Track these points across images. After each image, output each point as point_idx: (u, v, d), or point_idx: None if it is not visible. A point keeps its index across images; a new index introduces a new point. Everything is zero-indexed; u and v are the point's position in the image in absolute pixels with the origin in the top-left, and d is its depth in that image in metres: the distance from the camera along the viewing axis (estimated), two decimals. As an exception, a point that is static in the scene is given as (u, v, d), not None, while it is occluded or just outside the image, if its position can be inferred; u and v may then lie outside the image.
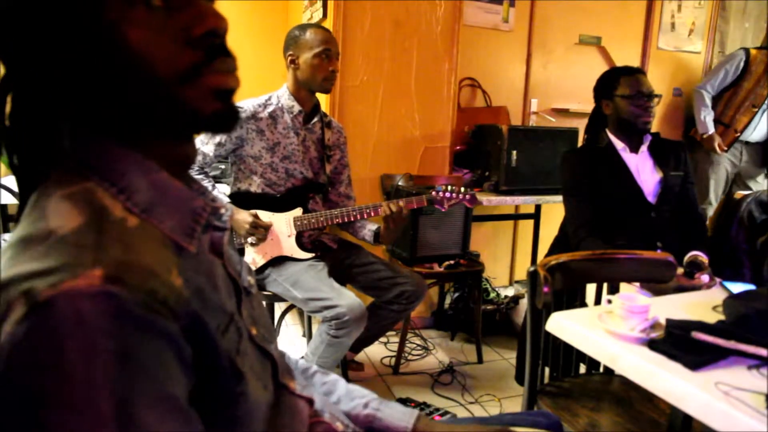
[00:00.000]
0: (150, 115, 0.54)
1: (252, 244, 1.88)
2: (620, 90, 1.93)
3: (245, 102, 1.90)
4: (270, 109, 1.93)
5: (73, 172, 0.52)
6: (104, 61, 0.51)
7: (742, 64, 3.22)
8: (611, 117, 1.98)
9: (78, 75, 0.52)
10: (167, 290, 0.47)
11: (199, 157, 1.89)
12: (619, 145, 1.97)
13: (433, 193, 1.86)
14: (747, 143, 3.33)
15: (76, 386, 0.41)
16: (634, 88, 1.90)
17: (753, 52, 3.23)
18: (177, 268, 0.51)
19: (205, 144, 1.89)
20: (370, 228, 1.99)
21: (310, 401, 0.74)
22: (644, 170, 1.97)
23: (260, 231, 1.82)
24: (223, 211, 0.61)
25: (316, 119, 2.00)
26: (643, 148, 1.98)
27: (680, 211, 1.98)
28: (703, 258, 1.79)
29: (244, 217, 1.81)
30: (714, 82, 3.29)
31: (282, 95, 1.96)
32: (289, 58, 1.92)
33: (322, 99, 2.51)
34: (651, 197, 1.95)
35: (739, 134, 3.26)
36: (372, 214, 1.87)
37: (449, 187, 1.86)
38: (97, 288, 0.43)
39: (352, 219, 1.88)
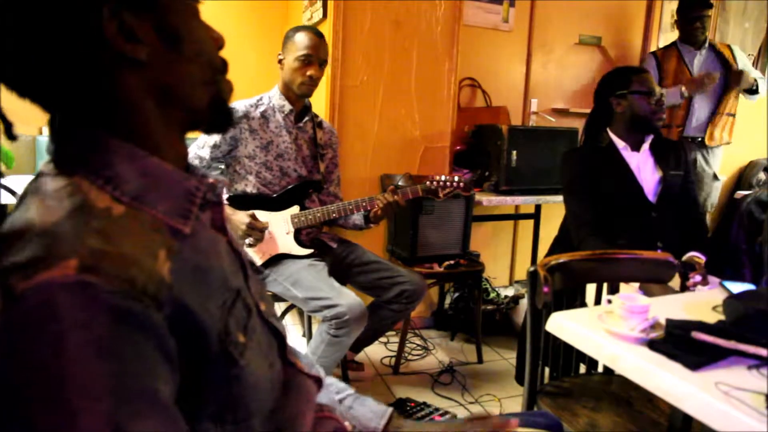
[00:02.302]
0: (197, 97, 0.59)
1: (249, 245, 1.88)
2: (635, 87, 1.91)
3: (237, 103, 1.93)
4: (261, 108, 1.95)
5: (59, 168, 0.52)
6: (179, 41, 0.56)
7: (654, 68, 3.13)
8: (623, 115, 1.94)
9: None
10: (147, 278, 0.46)
11: (196, 161, 1.90)
12: (620, 143, 1.96)
13: (428, 183, 1.89)
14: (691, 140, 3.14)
15: (51, 380, 0.40)
16: (648, 86, 1.91)
17: (659, 53, 3.19)
18: (167, 253, 0.50)
19: (201, 148, 1.91)
20: (358, 214, 2.01)
21: (318, 380, 0.74)
22: (645, 169, 1.97)
23: (257, 232, 1.82)
24: (219, 185, 0.62)
25: (307, 118, 2.02)
26: (645, 146, 1.98)
27: (680, 211, 1.98)
28: (700, 258, 1.78)
29: (240, 218, 1.81)
30: None
31: (273, 95, 1.99)
32: (278, 57, 1.96)
33: (322, 99, 2.52)
34: (651, 196, 1.94)
35: (682, 128, 3.12)
36: (368, 207, 1.90)
37: (443, 177, 1.88)
38: (71, 278, 0.42)
39: (348, 213, 1.92)
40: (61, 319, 0.41)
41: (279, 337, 0.66)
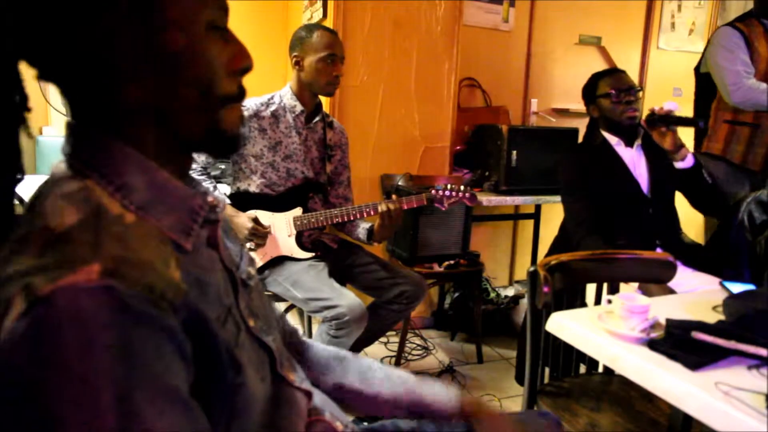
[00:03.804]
0: (189, 122, 0.57)
1: (250, 249, 1.87)
2: (599, 91, 1.99)
3: (248, 101, 1.90)
4: (272, 108, 1.93)
5: (72, 171, 0.53)
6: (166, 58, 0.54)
7: (745, 49, 2.41)
8: (601, 120, 2.03)
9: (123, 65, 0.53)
10: (165, 284, 0.48)
11: (202, 157, 1.89)
12: (613, 140, 2.00)
13: (433, 191, 1.87)
14: None
15: (77, 380, 0.41)
16: (612, 86, 1.95)
17: (740, 26, 2.46)
18: (176, 262, 0.52)
19: None
20: (363, 227, 1.99)
21: (309, 394, 0.75)
22: (639, 164, 1.99)
23: (259, 238, 1.81)
24: (219, 206, 0.63)
25: (317, 119, 2.01)
26: (637, 142, 2.00)
27: (672, 202, 2.00)
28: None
29: (243, 221, 1.80)
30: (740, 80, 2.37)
31: (285, 95, 1.96)
32: (294, 59, 1.91)
33: (323, 99, 2.52)
34: (647, 192, 1.96)
35: None
36: (371, 212, 1.87)
37: (449, 186, 1.86)
38: (95, 282, 0.43)
39: (352, 218, 1.89)
40: (86, 321, 0.42)
41: (269, 352, 0.67)
